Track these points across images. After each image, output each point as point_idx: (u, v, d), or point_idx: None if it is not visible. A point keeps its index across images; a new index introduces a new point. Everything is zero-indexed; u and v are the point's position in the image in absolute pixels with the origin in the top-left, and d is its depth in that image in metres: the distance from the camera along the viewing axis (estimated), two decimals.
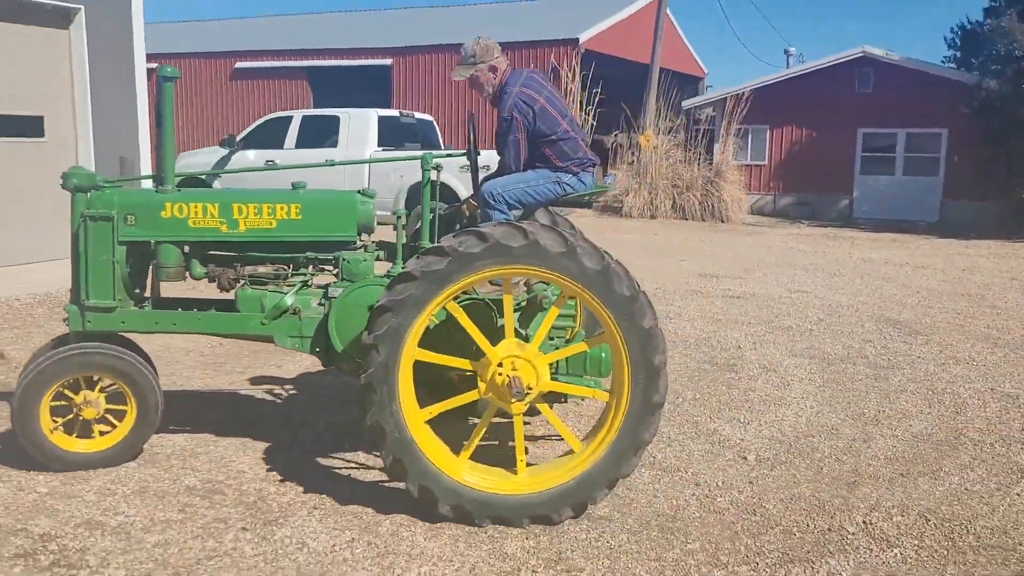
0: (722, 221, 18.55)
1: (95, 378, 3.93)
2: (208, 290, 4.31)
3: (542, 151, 4.23)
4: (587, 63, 20.94)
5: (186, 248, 4.08)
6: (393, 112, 12.22)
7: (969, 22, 19.91)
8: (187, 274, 4.10)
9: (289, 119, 11.83)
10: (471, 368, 3.55)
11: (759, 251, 13.37)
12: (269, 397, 5.29)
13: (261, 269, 4.08)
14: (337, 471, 4.08)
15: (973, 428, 4.90)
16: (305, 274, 4.14)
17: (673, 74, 23.41)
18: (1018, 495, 3.95)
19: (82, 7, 9.79)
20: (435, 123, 12.90)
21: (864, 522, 3.64)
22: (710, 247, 13.76)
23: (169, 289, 4.45)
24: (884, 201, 20.16)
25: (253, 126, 12.35)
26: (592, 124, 20.65)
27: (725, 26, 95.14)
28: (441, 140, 12.98)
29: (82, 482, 3.87)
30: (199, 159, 12.39)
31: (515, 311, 3.84)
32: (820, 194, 20.95)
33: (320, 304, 3.99)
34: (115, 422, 4.01)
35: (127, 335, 4.27)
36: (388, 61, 23.05)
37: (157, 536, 3.39)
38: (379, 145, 11.08)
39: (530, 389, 3.45)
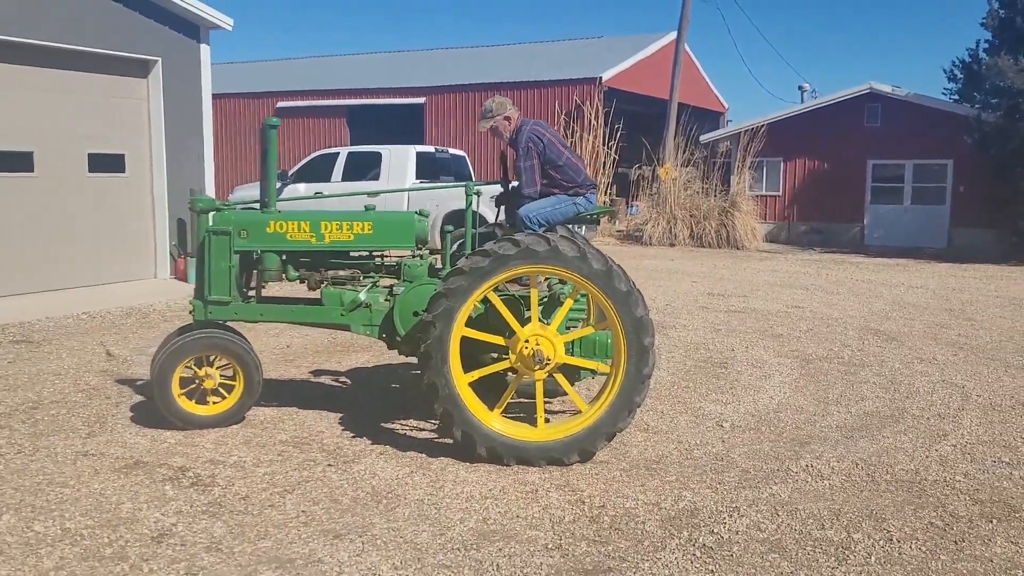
0: (737, 249, 19.53)
1: (211, 357, 5.11)
2: (294, 291, 5.48)
3: (553, 175, 5.33)
4: (609, 100, 22.18)
5: (283, 256, 5.27)
6: (429, 148, 13.45)
7: (969, 57, 20.80)
8: (284, 276, 5.30)
9: (336, 155, 13.11)
10: (505, 343, 4.69)
11: (766, 274, 14.36)
12: (334, 383, 6.41)
13: (340, 272, 5.26)
14: (395, 431, 5.19)
15: (916, 407, 5.90)
16: (374, 276, 5.32)
17: (694, 109, 24.52)
18: (936, 451, 4.95)
19: (159, 59, 11.17)
20: (467, 158, 14.11)
21: (807, 465, 4.66)
22: (722, 271, 14.77)
23: (268, 289, 5.63)
24: (894, 228, 21.02)
25: (304, 161, 13.65)
26: (615, 158, 21.85)
27: (750, 63, 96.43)
28: (472, 173, 14.19)
29: (200, 436, 5.01)
30: (256, 191, 13.69)
31: (539, 304, 4.95)
32: (832, 223, 21.87)
33: (386, 300, 5.13)
34: (225, 393, 5.18)
35: (236, 327, 5.44)
36: (421, 100, 24.45)
37: (265, 469, 4.51)
38: (417, 178, 12.30)
39: (549, 360, 4.58)
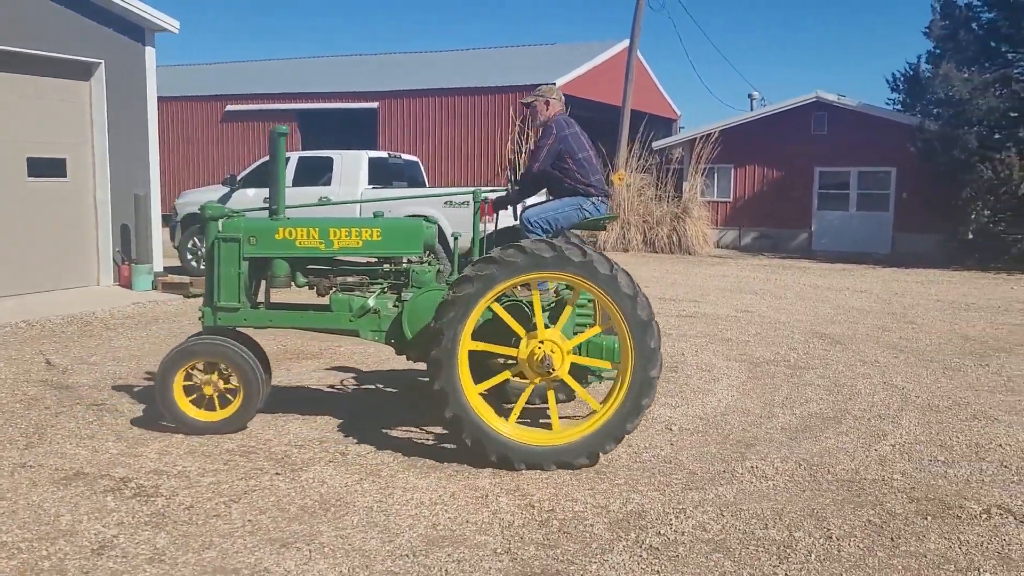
0: (689, 254, 19.80)
1: (221, 364, 5.08)
2: (297, 296, 5.41)
3: (569, 165, 5.40)
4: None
5: (292, 262, 5.22)
6: (382, 153, 13.37)
7: (911, 67, 21.41)
8: (292, 283, 5.25)
9: (287, 160, 12.94)
10: (514, 353, 4.70)
11: (717, 279, 14.58)
12: (282, 391, 6.34)
13: (349, 279, 5.27)
14: (344, 439, 5.15)
15: (858, 409, 6.04)
16: (382, 282, 5.28)
17: (648, 116, 24.81)
18: (875, 451, 5.07)
19: (102, 61, 10.95)
20: (420, 164, 14.07)
21: (752, 467, 4.75)
22: (674, 276, 14.96)
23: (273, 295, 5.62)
24: (840, 235, 21.51)
25: (253, 166, 13.44)
26: None
27: (701, 71, 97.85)
28: (426, 179, 14.15)
29: (143, 446, 4.92)
30: (202, 196, 13.46)
31: (545, 311, 5.00)
32: (781, 228, 22.29)
33: (394, 305, 5.11)
34: (231, 400, 5.14)
35: (251, 336, 5.43)
36: (374, 104, 24.33)
37: (210, 478, 4.44)
38: (369, 184, 12.21)
39: (554, 366, 4.61)
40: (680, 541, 3.77)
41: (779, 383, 6.78)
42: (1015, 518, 4.06)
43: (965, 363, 7.68)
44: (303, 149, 21.78)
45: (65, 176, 10.83)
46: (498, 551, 3.65)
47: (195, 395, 5.12)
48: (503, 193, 6.08)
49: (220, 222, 5.15)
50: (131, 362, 7.18)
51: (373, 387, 6.51)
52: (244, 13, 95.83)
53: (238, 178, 13.11)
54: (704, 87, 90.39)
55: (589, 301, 5.15)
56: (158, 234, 11.87)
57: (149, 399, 5.97)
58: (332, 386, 6.52)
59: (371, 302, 5.06)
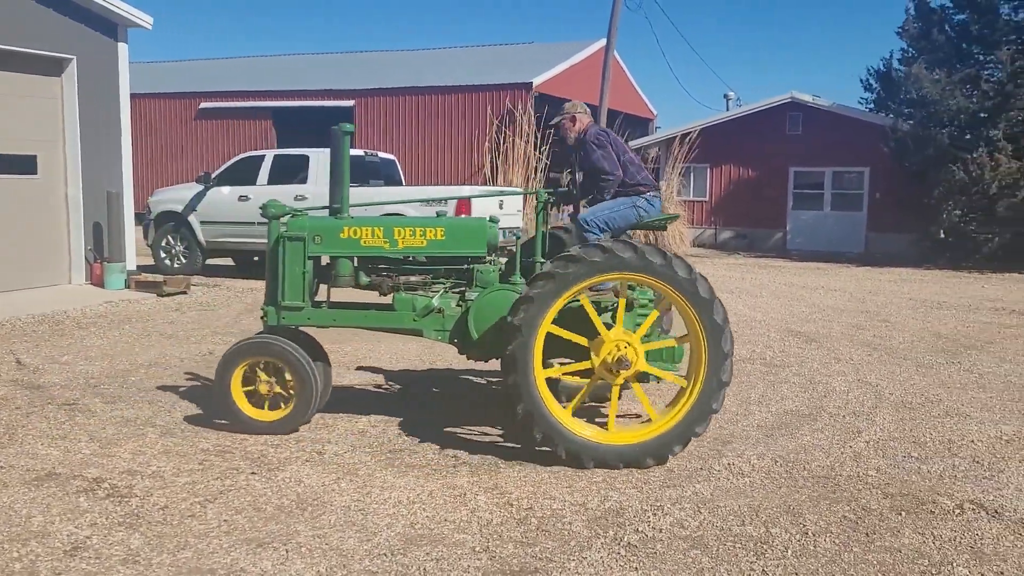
0: None
1: (278, 364, 5.00)
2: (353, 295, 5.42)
3: (621, 165, 5.51)
4: (540, 105, 22.32)
5: (355, 261, 5.19)
6: (359, 152, 13.29)
7: (885, 66, 21.64)
8: (355, 282, 5.21)
9: (262, 157, 12.84)
10: (587, 345, 4.67)
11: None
12: None
13: (412, 278, 5.22)
14: (322, 438, 5.12)
15: (833, 406, 6.10)
16: (444, 281, 5.23)
17: (624, 116, 24.88)
18: (850, 447, 5.12)
19: (74, 57, 10.80)
20: (397, 162, 14.01)
21: (728, 464, 4.77)
22: None
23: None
24: (814, 234, 21.72)
25: (228, 164, 13.34)
26: (546, 163, 22.00)
27: (677, 71, 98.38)
28: (403, 178, 14.09)
29: (117, 447, 4.86)
30: (176, 194, 13.34)
31: (608, 311, 4.98)
32: (757, 228, 22.47)
33: (458, 305, 5.08)
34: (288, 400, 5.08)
35: (312, 337, 5.41)
36: (350, 103, 24.20)
37: (185, 479, 4.39)
38: None
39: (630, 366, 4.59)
40: (658, 538, 3.78)
41: (755, 381, 6.83)
42: (987, 513, 4.11)
43: (937, 360, 7.78)
44: (278, 147, 21.64)
45: (36, 173, 10.68)
46: (476, 549, 3.64)
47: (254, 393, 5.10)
48: (564, 191, 6.01)
49: (284, 219, 5.09)
50: (103, 361, 7.09)
51: (350, 386, 6.47)
52: (219, 10, 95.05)
53: (212, 176, 12.99)
54: (680, 87, 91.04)
55: (650, 302, 5.09)
56: (131, 232, 11.73)
57: (122, 398, 5.90)
58: None
59: (435, 301, 5.03)
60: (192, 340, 7.98)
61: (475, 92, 22.98)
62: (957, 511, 4.14)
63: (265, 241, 12.81)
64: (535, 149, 21.53)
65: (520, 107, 21.92)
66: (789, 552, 3.66)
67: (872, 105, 21.81)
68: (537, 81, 22.85)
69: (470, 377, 6.87)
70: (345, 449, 4.90)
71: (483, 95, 22.81)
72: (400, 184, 13.60)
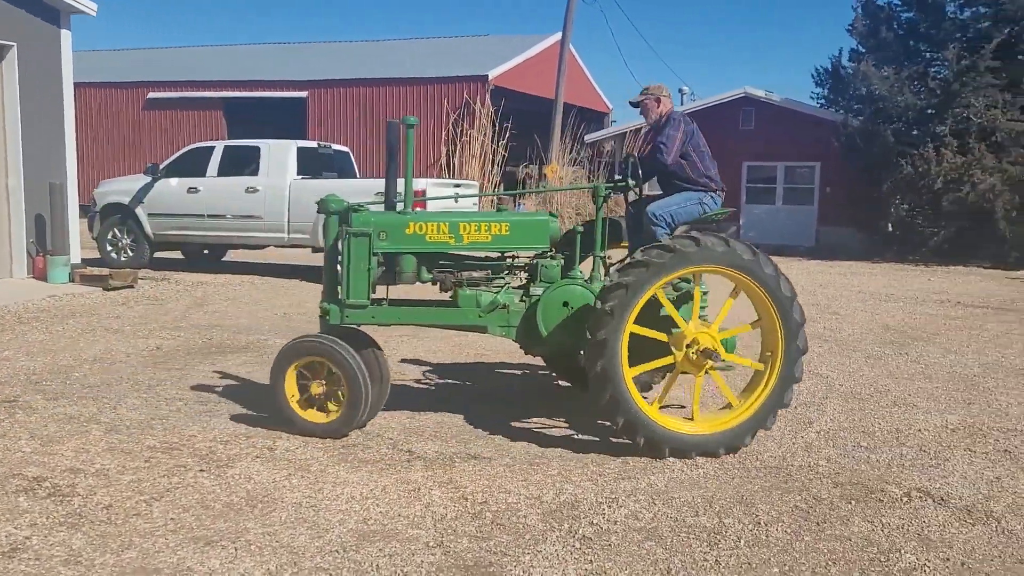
0: (624, 247, 19.97)
1: (329, 366, 4.83)
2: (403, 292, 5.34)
3: (693, 159, 5.49)
4: (497, 99, 22.28)
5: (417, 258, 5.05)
6: (312, 143, 13.10)
7: (834, 64, 22.02)
8: (417, 279, 5.06)
9: (211, 149, 12.58)
10: (667, 339, 4.74)
11: None
12: (209, 386, 6.15)
13: (475, 274, 5.10)
14: (274, 433, 5.01)
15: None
16: (504, 277, 5.15)
17: (580, 109, 24.95)
18: (802, 438, 5.18)
19: (15, 44, 10.45)
20: (351, 154, 13.84)
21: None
22: None
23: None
24: (767, 228, 21.99)
25: (176, 155, 13.04)
26: (503, 156, 21.98)
27: (632, 66, 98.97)
28: (357, 170, 13.93)
29: (59, 444, 4.71)
30: (123, 186, 13.01)
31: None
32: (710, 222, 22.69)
33: (521, 300, 5.00)
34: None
35: (371, 338, 5.25)
36: (303, 93, 23.88)
37: (131, 476, 4.28)
38: (298, 174, 11.96)
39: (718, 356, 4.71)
40: (613, 530, 3.78)
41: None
42: (933, 500, 4.19)
43: (885, 352, 7.92)
44: (229, 139, 21.25)
45: None
46: (430, 544, 3.60)
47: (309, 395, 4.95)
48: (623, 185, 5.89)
49: (349, 215, 4.92)
50: (45, 357, 6.88)
51: None
52: None
53: (160, 167, 12.70)
54: (635, 81, 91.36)
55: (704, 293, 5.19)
56: (75, 225, 11.41)
57: (65, 395, 5.73)
58: (260, 381, 6.34)
59: (501, 297, 4.96)
60: (139, 335, 7.79)
61: (431, 84, 22.84)
62: (905, 499, 4.21)
63: (216, 234, 12.56)
64: (493, 142, 21.49)
65: (477, 100, 21.84)
66: (742, 542, 3.69)
67: (823, 101, 22.17)
68: (493, 74, 22.80)
69: (428, 370, 6.82)
70: (297, 445, 4.81)
71: (439, 87, 22.68)
72: (354, 177, 13.44)
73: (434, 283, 5.12)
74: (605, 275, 5.17)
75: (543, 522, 3.85)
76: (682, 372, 4.88)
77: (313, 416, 4.93)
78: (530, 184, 22.58)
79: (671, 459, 4.70)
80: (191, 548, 3.50)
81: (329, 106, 23.71)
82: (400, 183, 5.19)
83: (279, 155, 12.00)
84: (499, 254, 5.19)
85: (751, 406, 4.73)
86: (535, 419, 5.45)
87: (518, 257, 5.20)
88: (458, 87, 22.49)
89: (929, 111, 18.57)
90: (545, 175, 21.63)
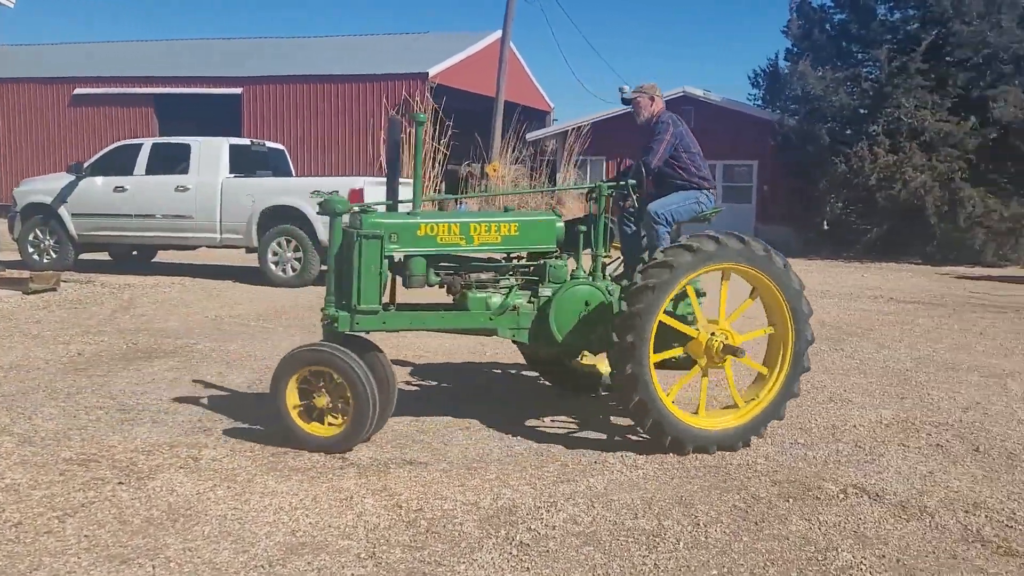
0: None
1: (332, 376, 4.58)
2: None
3: (685, 160, 5.55)
4: (437, 96, 22.09)
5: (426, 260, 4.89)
6: (244, 141, 12.75)
7: (771, 64, 22.42)
8: (426, 282, 4.89)
9: (139, 146, 12.14)
10: (694, 334, 4.83)
11: None
12: (132, 393, 5.88)
13: (483, 276, 4.96)
14: (199, 442, 4.81)
15: (723, 395, 6.15)
16: (510, 278, 5.01)
17: (521, 108, 24.89)
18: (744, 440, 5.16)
19: None
20: (287, 152, 13.53)
21: (622, 456, 4.73)
22: None
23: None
24: (707, 225, 22.27)
25: (101, 153, 12.57)
26: (444, 154, 21.80)
27: (573, 64, 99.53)
28: (293, 169, 13.62)
29: None
30: (45, 185, 12.49)
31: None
32: None
33: (529, 302, 4.89)
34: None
35: (376, 346, 4.97)
36: (238, 90, 23.34)
37: (43, 491, 4.03)
38: (231, 172, 11.62)
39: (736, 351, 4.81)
40: (551, 535, 3.69)
41: None
42: (869, 497, 4.20)
43: (821, 348, 8.00)
44: (161, 136, 20.65)
45: None
46: (362, 556, 3.46)
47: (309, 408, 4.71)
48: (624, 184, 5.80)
49: (360, 218, 4.69)
50: None
51: (234, 386, 6.14)
52: None
53: (85, 166, 12.22)
54: (576, 80, 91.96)
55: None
56: None
57: None
58: (186, 388, 6.10)
59: (511, 299, 4.86)
60: (59, 340, 7.44)
61: (370, 82, 22.54)
62: (841, 496, 4.21)
63: (144, 234, 12.13)
64: (433, 140, 21.29)
65: (417, 97, 21.62)
66: (681, 544, 3.63)
67: (760, 102, 22.52)
68: (433, 71, 22.61)
69: None
70: (223, 454, 4.61)
71: (378, 85, 22.40)
72: (290, 175, 13.14)
73: (442, 286, 4.98)
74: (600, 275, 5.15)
75: (479, 529, 3.74)
76: (708, 369, 4.95)
77: (315, 429, 4.67)
78: (472, 183, 22.46)
79: (612, 461, 4.64)
80: (105, 567, 3.30)
81: (265, 103, 23.22)
82: (400, 183, 5.04)
83: (210, 153, 11.64)
84: (503, 255, 5.10)
85: (764, 399, 4.87)
86: (474, 422, 5.33)
87: (523, 257, 5.11)
88: (397, 84, 22.25)
89: (862, 111, 19.01)
90: (487, 174, 21.52)
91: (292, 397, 4.65)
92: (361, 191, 10.67)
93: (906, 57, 18.01)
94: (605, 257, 5.18)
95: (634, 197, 5.41)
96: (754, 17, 78.66)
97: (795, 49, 21.33)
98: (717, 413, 4.95)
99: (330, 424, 4.67)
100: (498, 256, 5.12)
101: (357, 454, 4.66)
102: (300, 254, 11.12)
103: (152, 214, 11.69)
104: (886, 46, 18.49)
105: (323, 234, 10.89)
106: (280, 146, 13.60)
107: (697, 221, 5.82)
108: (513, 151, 22.60)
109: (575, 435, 5.13)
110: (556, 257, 5.05)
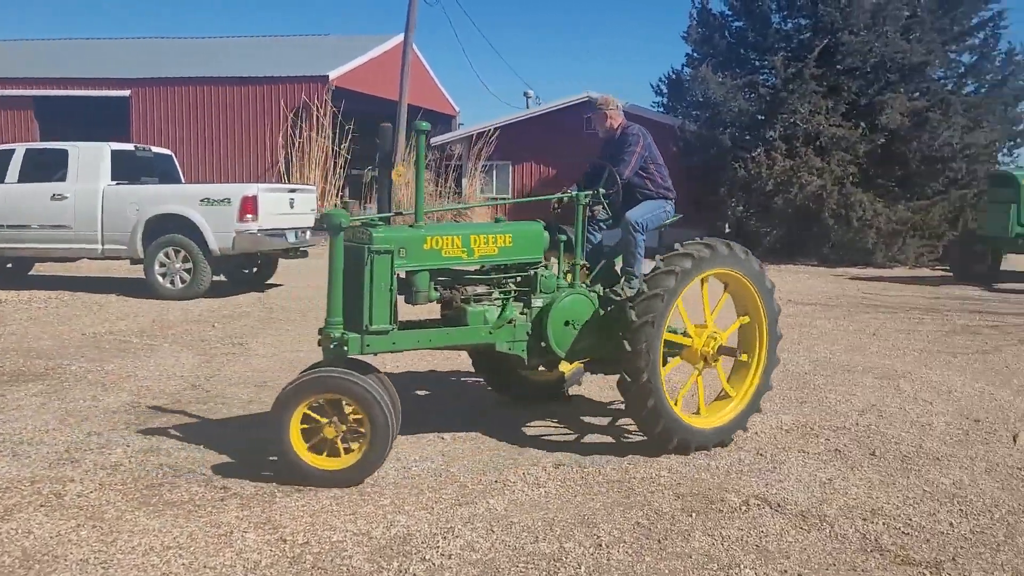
0: None
1: (344, 402, 4.27)
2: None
3: (652, 171, 5.70)
4: (338, 100, 21.59)
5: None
6: (128, 146, 12.05)
7: (674, 71, 22.79)
8: (429, 297, 4.70)
9: (11, 152, 11.31)
10: (688, 343, 5.08)
11: None
12: None
13: (479, 289, 4.84)
14: (62, 476, 4.39)
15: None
16: (501, 290, 4.93)
17: (426, 112, 24.58)
18: (642, 447, 5.05)
19: None
20: (174, 157, 12.87)
21: (524, 474, 4.56)
22: None
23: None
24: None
25: None
26: (346, 159, 21.30)
27: (479, 69, 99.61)
28: (181, 174, 12.97)
29: None
30: None
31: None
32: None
33: (521, 313, 4.85)
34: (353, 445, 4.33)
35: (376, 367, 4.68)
36: (126, 92, 22.28)
37: None
38: (113, 179, 10.94)
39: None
40: (447, 566, 3.48)
41: None
42: (771, 507, 4.14)
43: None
44: (42, 141, 19.47)
45: None
46: None
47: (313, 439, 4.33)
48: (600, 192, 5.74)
49: (370, 232, 4.41)
50: None
51: (110, 411, 5.69)
52: None
53: None
54: (482, 84, 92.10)
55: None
56: None
57: None
58: (56, 413, 5.62)
59: (508, 312, 4.83)
60: None
61: (267, 84, 21.87)
62: (743, 507, 4.14)
63: (18, 246, 11.29)
64: (334, 144, 20.80)
65: (316, 101, 21.07)
66: (583, 569, 3.48)
67: (662, 108, 22.87)
68: (334, 74, 22.10)
69: (254, 391, 6.28)
70: (91, 488, 4.22)
71: (276, 87, 21.75)
72: (178, 182, 12.50)
73: (439, 301, 4.82)
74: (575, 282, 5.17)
75: (370, 562, 3.50)
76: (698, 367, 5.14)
77: (324, 463, 4.31)
78: (377, 188, 22.02)
79: (513, 480, 4.46)
80: None
81: (155, 106, 22.23)
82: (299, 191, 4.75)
83: (90, 159, 10.94)
84: (490, 266, 4.99)
85: (747, 393, 5.14)
86: None
87: (510, 268, 5.01)
88: (296, 87, 21.64)
89: (760, 117, 19.48)
90: (391, 179, 21.15)
91: (296, 430, 4.26)
92: (255, 198, 10.22)
93: (801, 64, 18.55)
94: (581, 265, 5.22)
95: (604, 205, 5.51)
96: (658, 28, 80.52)
97: (696, 55, 21.72)
98: (709, 412, 5.10)
99: (338, 455, 4.33)
100: (498, 268, 5.01)
101: (240, 483, 4.35)
102: (189, 265, 10.56)
103: (27, 224, 10.91)
104: (781, 53, 19.01)
105: (214, 243, 10.39)
106: (167, 151, 12.93)
107: (661, 228, 5.97)
108: None
109: (478, 453, 4.93)
110: (544, 267, 5.07)
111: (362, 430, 4.27)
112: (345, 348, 4.37)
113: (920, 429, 5.53)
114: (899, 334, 9.26)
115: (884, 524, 3.97)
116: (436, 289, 4.76)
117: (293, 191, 11.51)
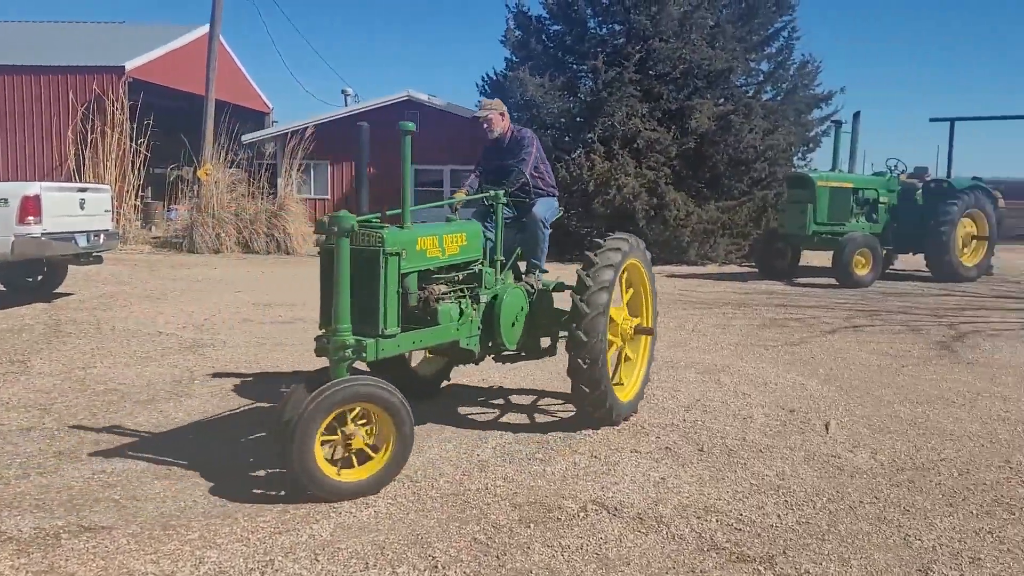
0: (288, 253, 18.96)
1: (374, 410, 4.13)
2: None
3: (543, 172, 6.01)
4: (135, 92, 20.03)
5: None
6: None
7: (495, 73, 22.88)
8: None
9: None
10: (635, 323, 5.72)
11: (316, 280, 13.98)
12: None
13: (443, 287, 4.86)
14: None
15: (464, 410, 5.87)
16: (453, 287, 4.98)
17: (235, 108, 23.30)
18: (477, 456, 4.85)
19: None
20: None
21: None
22: (269, 279, 14.07)
23: None
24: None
25: None
26: (146, 156, 19.77)
27: (294, 65, 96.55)
28: None
29: None
30: None
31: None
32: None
33: (473, 309, 5.01)
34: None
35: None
36: None
37: None
38: None
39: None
40: None
41: None
42: (608, 512, 4.06)
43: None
44: None
45: None
46: None
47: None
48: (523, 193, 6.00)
49: (381, 234, 4.32)
50: None
51: None
52: None
53: None
54: (295, 80, 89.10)
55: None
56: None
57: None
58: None
59: (465, 308, 4.96)
60: None
61: (55, 75, 19.95)
62: (581, 514, 4.03)
63: None
64: (131, 141, 19.28)
65: (112, 94, 19.45)
66: None
67: None
68: (131, 65, 20.50)
69: (35, 415, 5.52)
70: None
71: (65, 78, 19.88)
72: None
73: (417, 301, 4.76)
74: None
75: None
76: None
77: (346, 475, 4.12)
78: (183, 189, 20.63)
79: (336, 503, 4.10)
80: None
81: None
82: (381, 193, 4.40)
83: None
84: (447, 265, 5.01)
85: (638, 377, 5.75)
86: (176, 468, 4.55)
87: (459, 267, 5.13)
88: (88, 78, 19.87)
89: (579, 119, 19.92)
90: (199, 178, 19.84)
91: (318, 445, 3.99)
92: (37, 198, 9.15)
93: (619, 68, 19.14)
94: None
95: (509, 203, 5.66)
96: (481, 29, 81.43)
97: (515, 58, 21.92)
98: (622, 387, 5.56)
99: (354, 466, 4.18)
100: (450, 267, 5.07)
101: (16, 525, 3.74)
102: None
103: None
104: (601, 56, 19.54)
105: None
106: None
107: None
108: (227, 154, 21.05)
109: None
110: (481, 264, 5.24)
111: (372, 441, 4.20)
112: (364, 355, 4.25)
113: (742, 422, 5.69)
114: (715, 329, 9.65)
115: (717, 521, 3.98)
116: (419, 290, 4.78)
117: (84, 191, 10.43)
